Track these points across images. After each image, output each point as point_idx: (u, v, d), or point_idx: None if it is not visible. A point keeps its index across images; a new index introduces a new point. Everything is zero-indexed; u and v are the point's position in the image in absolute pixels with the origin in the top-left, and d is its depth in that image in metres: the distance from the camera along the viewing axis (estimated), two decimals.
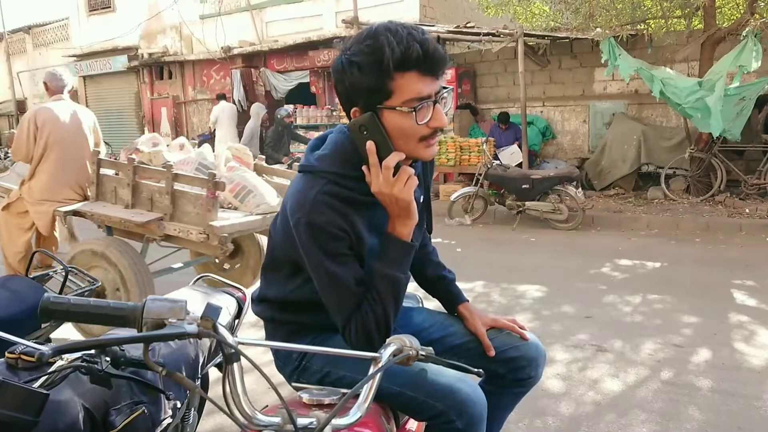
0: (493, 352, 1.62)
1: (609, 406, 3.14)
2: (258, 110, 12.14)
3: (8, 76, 19.05)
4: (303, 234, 1.36)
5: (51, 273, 2.88)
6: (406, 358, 1.10)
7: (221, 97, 12.63)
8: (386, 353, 1.10)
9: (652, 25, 9.40)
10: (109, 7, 16.49)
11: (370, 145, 1.32)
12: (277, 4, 13.48)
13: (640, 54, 9.63)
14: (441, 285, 1.79)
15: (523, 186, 8.11)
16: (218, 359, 2.33)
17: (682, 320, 4.40)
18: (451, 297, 1.78)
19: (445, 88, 1.37)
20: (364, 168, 1.37)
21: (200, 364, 2.17)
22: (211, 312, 0.92)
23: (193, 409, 2.15)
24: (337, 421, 1.01)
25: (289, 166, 8.18)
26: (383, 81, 1.30)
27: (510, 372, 1.63)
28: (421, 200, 1.57)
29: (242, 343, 1.02)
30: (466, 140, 10.12)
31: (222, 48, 13.60)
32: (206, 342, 2.16)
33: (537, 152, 11.02)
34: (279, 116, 10.45)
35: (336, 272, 1.36)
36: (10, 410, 1.23)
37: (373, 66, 1.29)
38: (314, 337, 1.47)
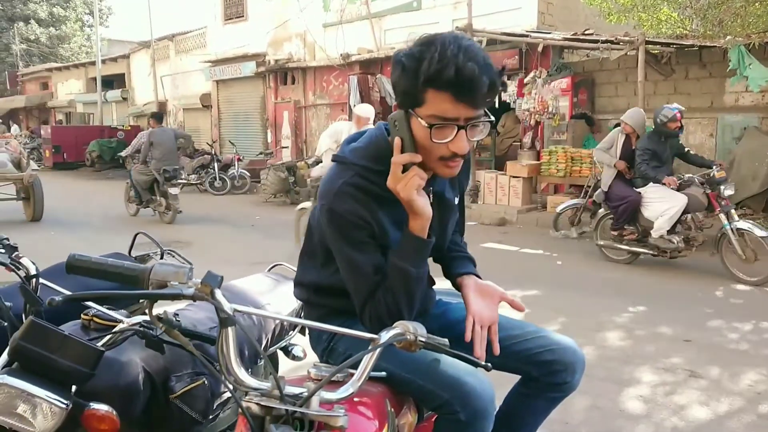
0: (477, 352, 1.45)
1: None
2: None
3: (153, 80, 20.84)
4: (326, 219, 1.44)
5: (151, 254, 3.16)
6: (407, 343, 1.14)
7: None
8: (386, 335, 1.14)
9: None
10: (243, 16, 17.60)
11: (396, 141, 1.37)
12: (396, 12, 13.76)
13: None
14: (447, 260, 1.70)
15: None
16: (283, 342, 2.46)
17: None
18: (451, 267, 1.67)
19: (487, 115, 1.37)
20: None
21: (263, 346, 2.30)
22: (210, 279, 1.01)
23: None
24: (328, 395, 1.07)
25: None
26: (416, 89, 1.33)
27: (544, 376, 1.60)
28: (456, 202, 1.59)
29: (238, 310, 1.11)
30: (578, 151, 9.79)
31: (341, 55, 14.10)
32: (270, 324, 2.30)
33: None
34: None
35: (354, 258, 1.43)
36: (71, 361, 1.40)
37: (411, 72, 1.33)
38: (344, 320, 1.53)
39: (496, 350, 1.48)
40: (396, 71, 1.38)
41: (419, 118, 1.34)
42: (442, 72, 1.28)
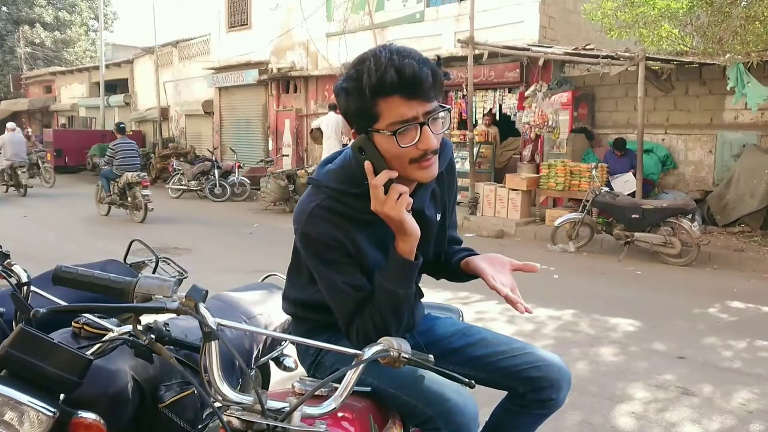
0: (521, 308, 1.45)
1: None
2: None
3: (156, 86, 20.91)
4: (300, 243, 1.46)
5: (147, 261, 3.16)
6: (390, 359, 1.15)
7: (332, 107, 13.03)
8: (369, 351, 1.16)
9: None
10: (246, 24, 17.69)
11: (367, 166, 1.37)
12: (399, 24, 13.84)
13: None
14: (446, 262, 1.70)
15: (633, 215, 7.74)
16: (275, 353, 2.47)
17: None
18: (453, 260, 1.67)
19: (442, 107, 1.37)
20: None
21: (254, 356, 2.31)
22: (195, 292, 1.02)
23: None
24: (310, 410, 1.08)
25: None
26: (367, 106, 1.34)
27: (530, 392, 1.60)
28: (438, 218, 1.59)
29: (222, 324, 1.12)
30: (577, 165, 9.82)
31: (343, 64, 14.12)
32: (261, 337, 2.31)
33: (655, 182, 10.44)
34: None
35: (333, 279, 1.44)
36: (59, 369, 1.41)
37: (356, 92, 1.34)
38: (331, 334, 1.55)
39: (523, 310, 1.45)
40: (342, 98, 1.38)
41: (380, 132, 1.35)
42: (384, 78, 1.29)
